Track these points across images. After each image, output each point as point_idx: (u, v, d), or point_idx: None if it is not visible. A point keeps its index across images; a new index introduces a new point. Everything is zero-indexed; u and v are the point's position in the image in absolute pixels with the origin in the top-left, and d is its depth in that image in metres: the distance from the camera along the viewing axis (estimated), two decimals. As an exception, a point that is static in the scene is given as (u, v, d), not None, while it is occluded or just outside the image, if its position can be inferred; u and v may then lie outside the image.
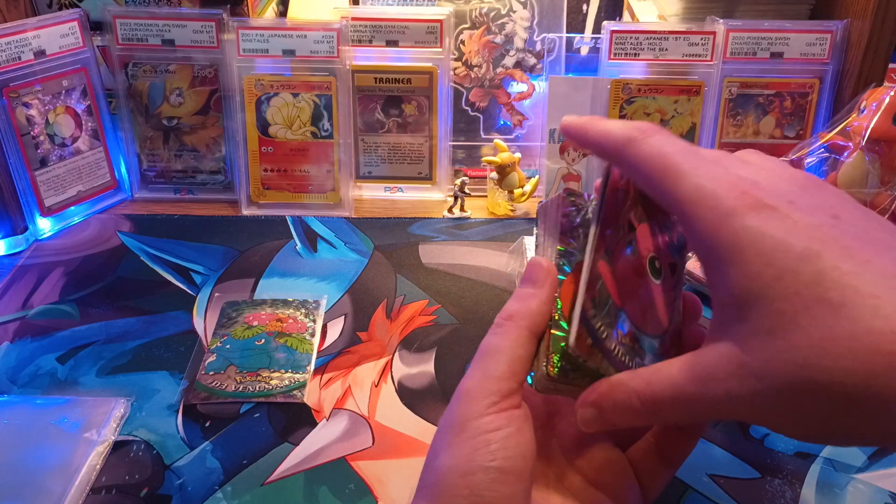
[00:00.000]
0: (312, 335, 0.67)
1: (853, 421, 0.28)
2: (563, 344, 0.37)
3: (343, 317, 0.70)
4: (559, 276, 0.39)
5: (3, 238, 0.79)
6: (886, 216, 0.71)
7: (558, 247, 0.40)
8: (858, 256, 0.28)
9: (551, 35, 0.88)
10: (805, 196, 0.31)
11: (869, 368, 0.27)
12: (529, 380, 0.38)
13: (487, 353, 0.37)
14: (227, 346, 0.65)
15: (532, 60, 0.91)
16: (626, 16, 0.93)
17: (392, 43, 0.86)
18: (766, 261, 0.29)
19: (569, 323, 0.37)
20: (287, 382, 0.61)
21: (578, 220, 0.41)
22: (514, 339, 0.37)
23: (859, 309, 0.27)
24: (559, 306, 0.38)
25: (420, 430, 0.57)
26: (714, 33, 0.83)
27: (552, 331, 0.38)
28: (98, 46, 0.86)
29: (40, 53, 0.80)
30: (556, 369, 0.37)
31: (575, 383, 0.37)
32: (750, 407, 0.30)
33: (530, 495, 0.35)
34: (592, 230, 0.39)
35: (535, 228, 0.43)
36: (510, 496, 0.34)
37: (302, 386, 0.61)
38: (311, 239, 0.82)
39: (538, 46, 0.90)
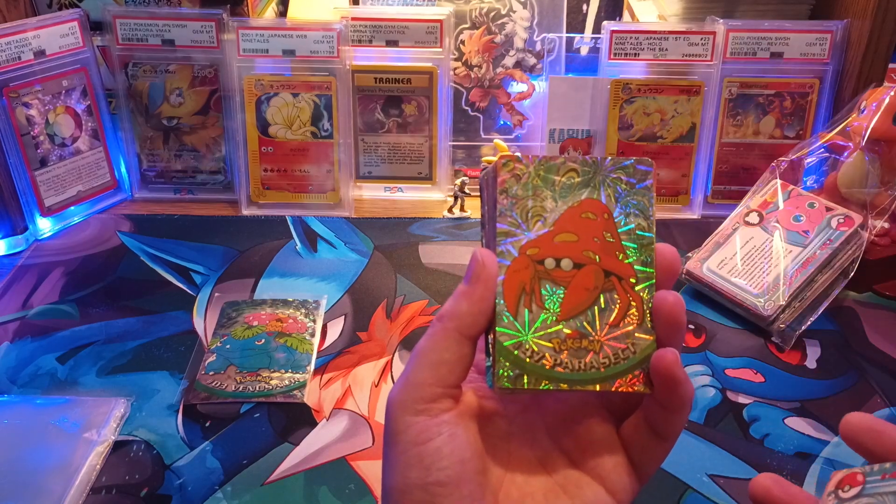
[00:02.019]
0: (312, 335, 0.67)
1: None
2: (506, 344, 0.35)
3: (343, 317, 0.70)
4: (504, 262, 0.36)
5: (3, 238, 0.79)
6: (886, 216, 0.71)
7: (498, 227, 0.37)
8: None
9: (551, 35, 0.88)
10: None
11: None
12: (489, 381, 0.36)
13: (414, 358, 0.35)
14: (227, 346, 0.65)
15: (532, 60, 0.91)
16: (626, 16, 0.93)
17: (392, 43, 0.86)
18: None
19: (496, 354, 0.35)
20: (287, 382, 0.61)
21: (517, 190, 0.37)
22: (439, 341, 0.35)
23: None
24: (502, 302, 0.35)
25: (420, 430, 0.57)
26: (714, 33, 0.83)
27: (496, 329, 0.35)
28: (98, 46, 0.86)
29: (40, 53, 0.80)
30: (505, 379, 0.35)
31: (532, 388, 0.35)
32: None
33: (483, 492, 0.34)
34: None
35: (481, 205, 0.39)
36: None
37: (302, 386, 0.61)
38: (311, 239, 0.82)
39: (538, 46, 0.90)
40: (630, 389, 0.35)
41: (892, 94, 0.71)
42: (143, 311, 0.70)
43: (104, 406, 0.58)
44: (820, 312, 0.68)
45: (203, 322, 0.69)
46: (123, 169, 0.90)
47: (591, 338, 0.36)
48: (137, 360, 0.64)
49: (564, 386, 0.35)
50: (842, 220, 0.70)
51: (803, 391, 0.63)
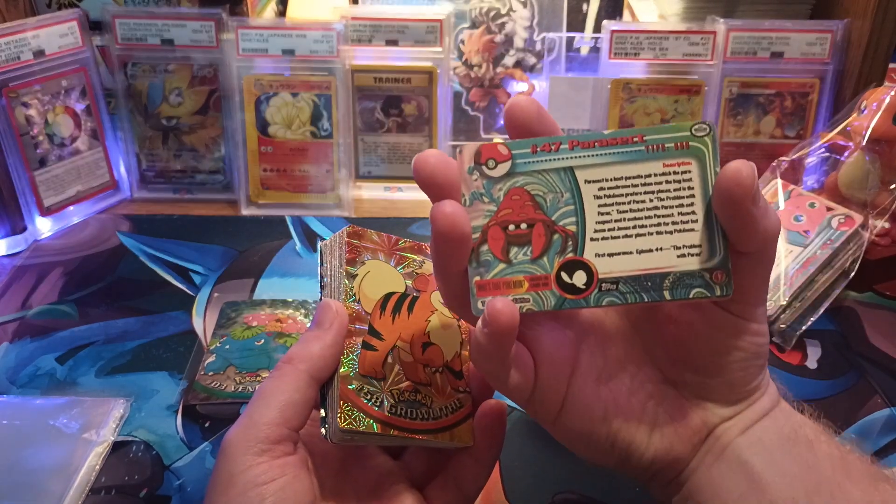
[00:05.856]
0: (312, 335, 0.67)
1: None
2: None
3: (343, 317, 0.70)
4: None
5: (2, 238, 0.79)
6: (887, 216, 0.71)
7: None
8: None
9: (551, 35, 0.88)
10: None
11: None
12: (324, 431, 0.36)
13: (258, 398, 0.35)
14: (227, 347, 0.65)
15: (532, 60, 0.91)
16: (626, 15, 0.93)
17: (392, 42, 0.86)
18: None
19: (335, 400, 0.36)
20: (287, 383, 0.61)
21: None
22: (289, 383, 0.35)
23: None
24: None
25: (420, 430, 0.57)
26: (714, 33, 0.83)
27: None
28: (97, 46, 0.86)
29: (39, 53, 0.80)
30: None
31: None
32: None
33: None
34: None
35: (318, 268, 0.41)
36: None
37: (302, 386, 0.61)
38: (310, 239, 0.81)
39: (538, 46, 0.90)
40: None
41: (893, 93, 0.71)
42: (142, 311, 0.70)
43: (103, 406, 0.58)
44: (821, 313, 0.68)
45: (202, 322, 0.69)
46: (122, 169, 0.90)
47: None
48: (137, 360, 0.64)
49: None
50: (842, 220, 0.70)
51: (804, 391, 0.63)
